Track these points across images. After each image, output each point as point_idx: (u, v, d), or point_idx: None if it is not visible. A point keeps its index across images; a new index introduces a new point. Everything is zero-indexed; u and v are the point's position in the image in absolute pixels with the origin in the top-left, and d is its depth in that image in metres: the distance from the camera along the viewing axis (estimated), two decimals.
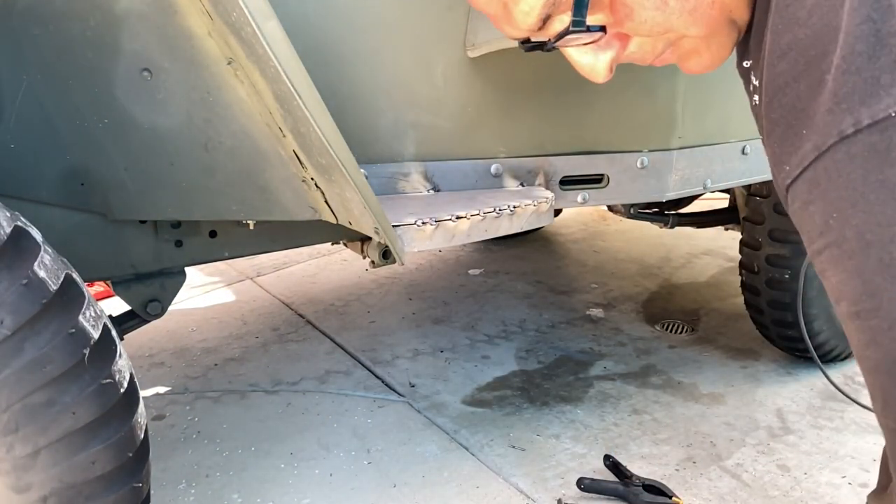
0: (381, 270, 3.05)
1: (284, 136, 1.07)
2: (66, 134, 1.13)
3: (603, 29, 0.66)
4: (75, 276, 0.98)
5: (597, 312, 2.62)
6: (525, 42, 0.74)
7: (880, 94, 0.51)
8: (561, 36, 0.66)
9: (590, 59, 0.70)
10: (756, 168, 1.70)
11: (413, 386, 2.08)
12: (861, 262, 0.53)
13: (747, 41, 0.68)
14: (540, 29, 0.68)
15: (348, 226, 1.20)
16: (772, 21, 0.58)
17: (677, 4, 0.64)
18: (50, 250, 0.95)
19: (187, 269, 1.45)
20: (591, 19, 0.65)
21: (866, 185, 0.52)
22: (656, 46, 0.69)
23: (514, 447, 1.77)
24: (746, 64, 0.69)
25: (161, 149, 1.15)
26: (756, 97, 0.66)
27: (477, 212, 1.24)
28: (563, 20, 0.66)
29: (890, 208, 0.51)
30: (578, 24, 0.64)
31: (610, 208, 2.48)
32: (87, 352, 0.93)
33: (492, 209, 1.26)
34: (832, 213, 0.54)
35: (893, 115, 0.50)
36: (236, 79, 1.06)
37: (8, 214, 0.91)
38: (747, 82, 0.70)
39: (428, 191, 1.39)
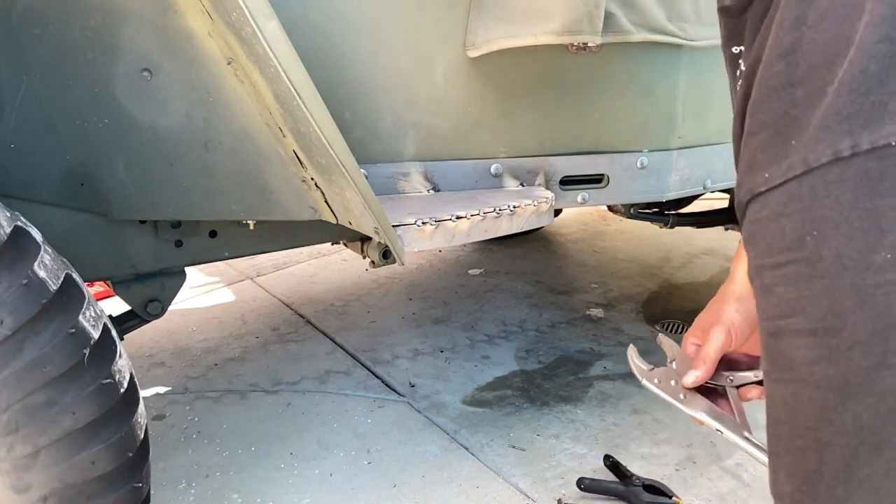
0: (381, 270, 3.05)
1: (284, 136, 1.07)
2: (66, 134, 1.13)
3: None
4: (75, 276, 0.98)
5: (597, 312, 2.62)
6: None
7: (885, 119, 0.50)
8: None
9: None
10: None
11: (413, 386, 2.08)
12: (833, 284, 0.53)
13: (740, 24, 0.65)
14: None
15: (348, 226, 1.20)
16: (779, 14, 0.56)
17: None
18: (50, 250, 0.95)
19: (187, 269, 1.46)
20: None
21: (854, 210, 0.51)
22: None
23: (514, 447, 1.77)
24: (736, 50, 0.67)
25: (161, 149, 1.15)
26: (740, 85, 0.64)
27: (477, 212, 1.24)
28: None
29: (872, 237, 0.51)
30: None
31: (610, 208, 2.48)
32: (87, 352, 0.93)
33: (492, 209, 1.26)
34: (811, 231, 0.54)
35: (893, 143, 0.49)
36: (236, 79, 1.06)
37: (8, 214, 0.91)
38: (734, 68, 0.68)
39: (428, 191, 1.39)
